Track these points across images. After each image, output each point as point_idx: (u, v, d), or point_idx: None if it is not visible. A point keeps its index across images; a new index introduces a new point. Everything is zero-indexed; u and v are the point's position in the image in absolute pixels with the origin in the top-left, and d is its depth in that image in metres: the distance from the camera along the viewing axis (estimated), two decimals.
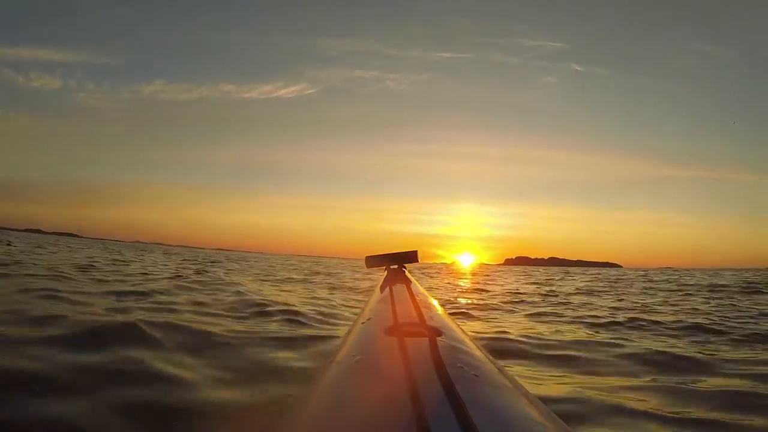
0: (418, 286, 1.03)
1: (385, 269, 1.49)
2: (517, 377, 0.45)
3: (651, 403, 2.00)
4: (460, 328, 0.61)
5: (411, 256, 1.55)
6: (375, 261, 1.59)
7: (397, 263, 1.52)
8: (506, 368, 0.47)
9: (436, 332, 0.52)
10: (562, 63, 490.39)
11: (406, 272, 1.35)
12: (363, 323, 0.63)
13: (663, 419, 1.79)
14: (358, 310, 1.11)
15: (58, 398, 1.60)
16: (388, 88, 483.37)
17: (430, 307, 0.72)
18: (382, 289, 0.98)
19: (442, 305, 0.80)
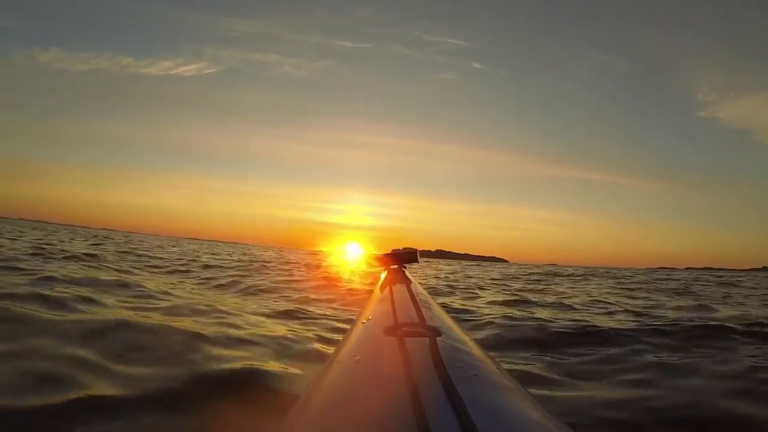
0: (418, 286, 1.02)
1: (385, 269, 1.49)
2: (517, 377, 0.45)
3: None
4: (460, 328, 0.60)
5: (411, 256, 1.54)
6: (375, 261, 1.59)
7: (397, 263, 1.52)
8: (506, 368, 0.47)
9: (436, 332, 0.52)
10: (462, 60, 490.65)
11: (406, 272, 1.35)
12: (363, 323, 0.63)
13: None
14: (358, 310, 1.11)
15: None
16: (287, 72, 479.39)
17: (430, 307, 0.72)
18: (382, 289, 0.97)
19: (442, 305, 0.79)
